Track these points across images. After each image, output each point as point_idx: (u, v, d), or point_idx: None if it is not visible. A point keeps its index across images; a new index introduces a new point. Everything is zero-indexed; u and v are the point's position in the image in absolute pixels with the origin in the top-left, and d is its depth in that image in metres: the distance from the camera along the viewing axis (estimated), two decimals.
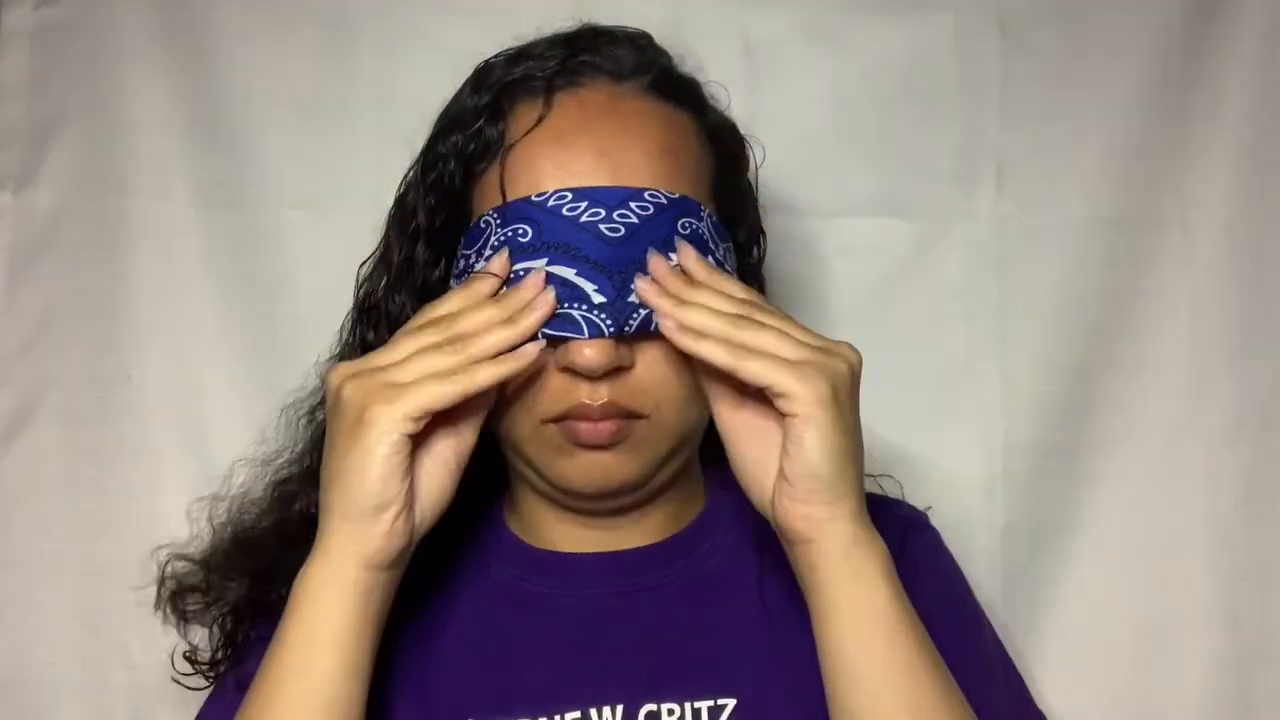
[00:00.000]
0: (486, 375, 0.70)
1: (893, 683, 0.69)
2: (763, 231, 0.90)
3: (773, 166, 1.09)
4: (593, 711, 0.75)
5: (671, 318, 0.71)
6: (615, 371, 0.74)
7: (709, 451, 0.90)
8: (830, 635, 0.71)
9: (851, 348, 0.73)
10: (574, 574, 0.81)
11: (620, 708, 0.75)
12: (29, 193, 1.12)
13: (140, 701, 1.06)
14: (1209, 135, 1.12)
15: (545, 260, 0.75)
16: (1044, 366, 1.11)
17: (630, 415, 0.75)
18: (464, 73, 0.89)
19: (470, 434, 0.74)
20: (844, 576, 0.70)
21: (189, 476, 1.09)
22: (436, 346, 0.71)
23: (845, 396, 0.70)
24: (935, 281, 1.12)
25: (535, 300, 0.73)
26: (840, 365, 0.71)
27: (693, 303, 0.72)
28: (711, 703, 0.75)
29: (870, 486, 0.94)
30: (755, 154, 0.90)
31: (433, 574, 0.82)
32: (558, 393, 0.75)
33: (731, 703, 0.75)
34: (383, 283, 0.85)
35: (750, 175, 0.90)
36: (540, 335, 0.74)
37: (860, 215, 1.13)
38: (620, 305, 0.74)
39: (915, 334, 1.12)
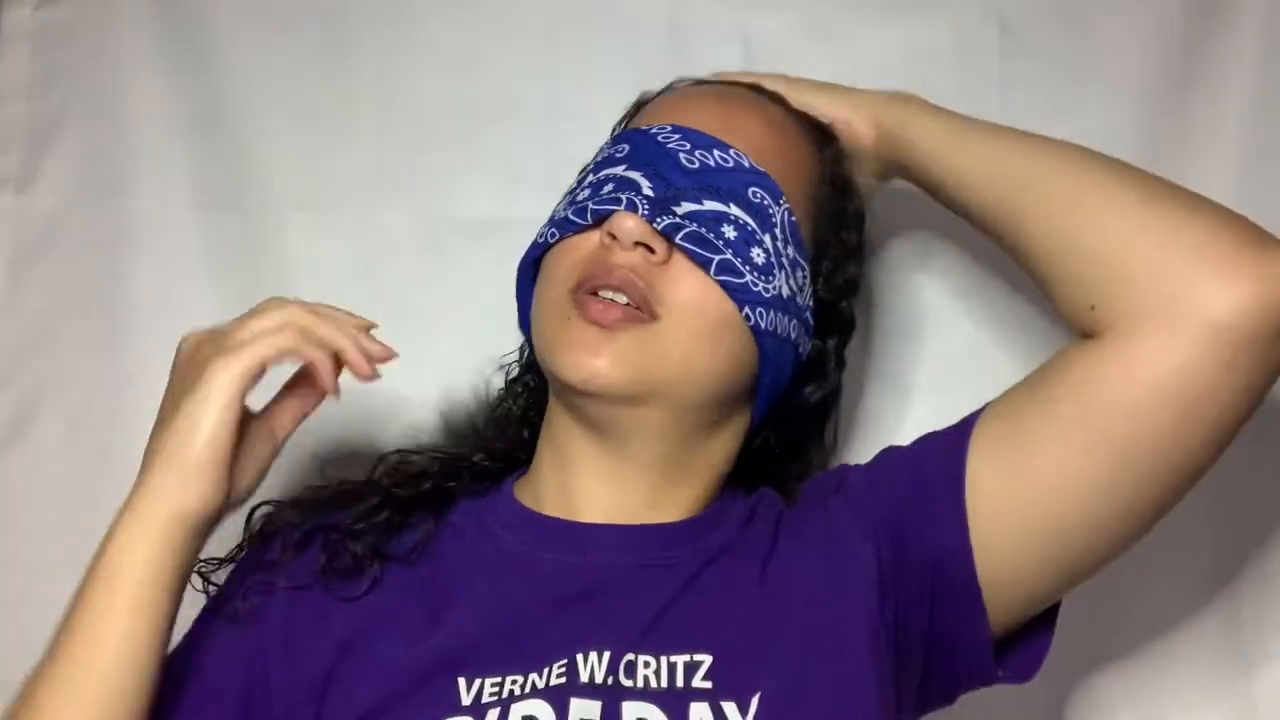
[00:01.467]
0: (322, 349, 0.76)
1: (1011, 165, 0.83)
2: (852, 314, 0.92)
3: None
4: (579, 657, 0.75)
5: None
6: (649, 254, 0.79)
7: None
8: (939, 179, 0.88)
9: None
10: (588, 542, 0.82)
11: (607, 654, 0.75)
12: (29, 193, 1.12)
13: None
14: (1209, 135, 1.12)
15: (624, 166, 0.83)
16: None
17: (642, 303, 0.79)
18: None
19: (292, 423, 0.80)
20: (907, 137, 0.89)
21: None
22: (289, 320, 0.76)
23: None
24: (935, 281, 1.12)
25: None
26: None
27: None
28: (688, 657, 0.76)
29: None
30: (869, 238, 0.94)
31: (434, 542, 0.84)
32: (588, 259, 0.80)
33: (707, 659, 0.75)
34: None
35: (859, 262, 0.93)
36: (589, 211, 0.81)
37: None
38: (664, 207, 0.80)
39: (915, 334, 1.11)
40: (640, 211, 0.79)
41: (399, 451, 0.92)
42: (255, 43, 1.13)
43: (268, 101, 1.13)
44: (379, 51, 1.14)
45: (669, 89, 0.93)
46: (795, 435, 0.92)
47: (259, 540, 0.87)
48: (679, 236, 0.80)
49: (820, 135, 0.91)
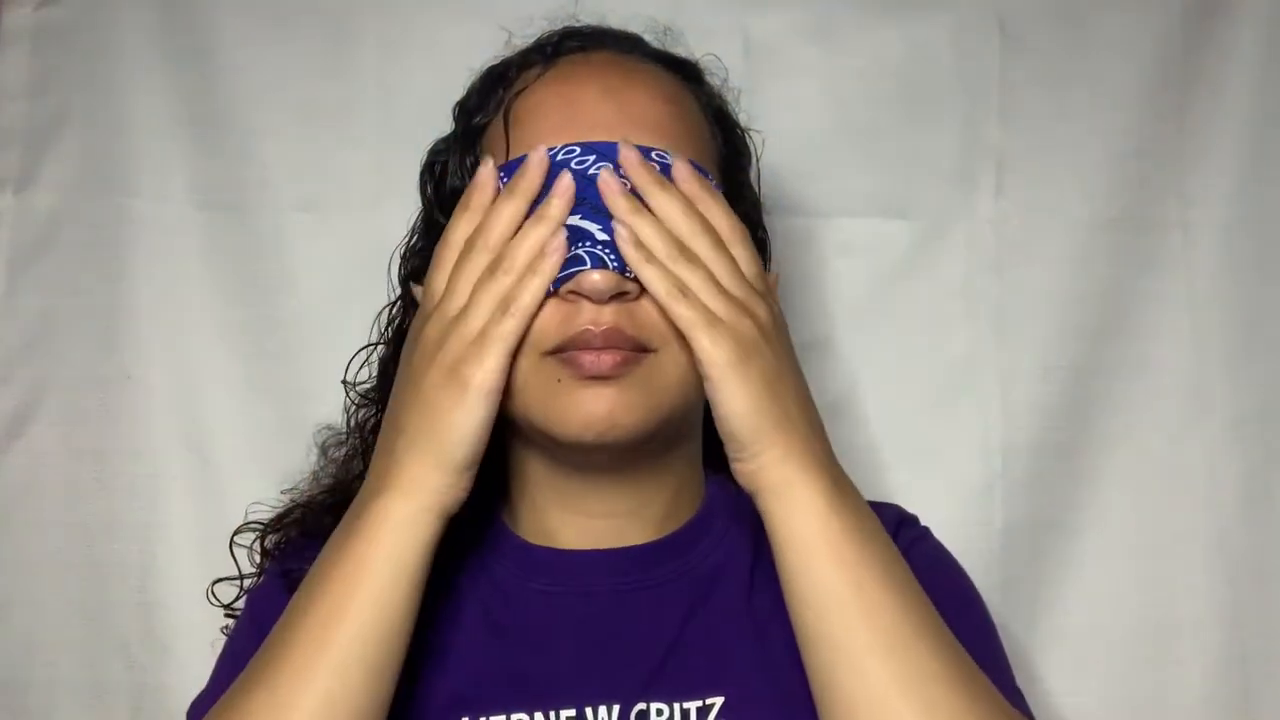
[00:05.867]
0: (533, 293, 0.72)
1: (844, 608, 0.69)
2: (766, 234, 0.90)
3: (772, 166, 1.09)
4: (588, 710, 0.75)
5: (627, 227, 0.72)
6: (620, 299, 0.74)
7: (709, 455, 0.91)
8: (783, 569, 0.71)
9: (767, 304, 0.74)
10: (574, 571, 0.81)
11: (616, 707, 0.76)
12: (29, 193, 1.11)
13: (140, 701, 1.06)
14: (1209, 135, 1.12)
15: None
16: (1044, 366, 1.11)
17: (636, 347, 0.75)
18: (464, 72, 0.89)
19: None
20: (782, 514, 0.71)
21: (189, 476, 1.09)
22: (490, 272, 0.72)
23: (756, 354, 0.71)
24: (935, 281, 1.12)
25: (556, 186, 0.73)
26: (748, 326, 0.71)
27: (647, 213, 0.73)
28: (700, 703, 0.76)
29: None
30: (755, 148, 0.90)
31: (435, 573, 0.82)
32: (560, 322, 0.75)
33: (719, 701, 0.76)
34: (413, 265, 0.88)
35: (753, 176, 0.90)
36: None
37: (860, 215, 1.13)
38: None
39: (915, 334, 1.12)
40: (608, 264, 0.73)
41: None
42: (255, 43, 1.13)
43: (268, 102, 1.13)
44: (379, 51, 1.14)
45: (522, 67, 0.83)
46: None
47: (275, 561, 0.86)
48: None
49: (691, 76, 0.86)
